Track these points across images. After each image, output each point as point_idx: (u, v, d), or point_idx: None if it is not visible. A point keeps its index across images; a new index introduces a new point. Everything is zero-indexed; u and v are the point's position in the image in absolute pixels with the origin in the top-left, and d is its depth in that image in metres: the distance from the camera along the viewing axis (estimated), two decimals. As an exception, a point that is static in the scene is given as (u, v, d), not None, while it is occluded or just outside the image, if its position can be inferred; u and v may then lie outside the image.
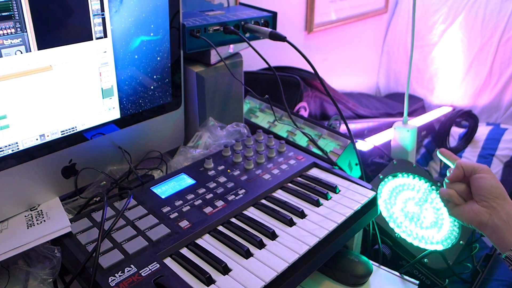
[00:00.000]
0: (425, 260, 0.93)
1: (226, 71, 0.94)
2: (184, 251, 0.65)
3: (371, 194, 0.79)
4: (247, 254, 0.63)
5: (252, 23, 0.95)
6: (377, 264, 0.83)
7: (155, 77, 0.83)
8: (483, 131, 1.75)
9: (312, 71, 0.88)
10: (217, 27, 0.91)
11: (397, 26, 2.22)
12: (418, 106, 2.14)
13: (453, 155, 0.82)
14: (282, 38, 0.89)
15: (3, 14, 0.59)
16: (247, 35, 0.96)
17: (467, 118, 1.77)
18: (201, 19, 0.91)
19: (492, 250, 1.06)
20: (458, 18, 2.02)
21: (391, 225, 0.98)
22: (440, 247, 0.96)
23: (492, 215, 0.71)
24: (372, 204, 0.79)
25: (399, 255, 0.96)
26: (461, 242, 0.99)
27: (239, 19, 0.93)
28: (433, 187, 1.07)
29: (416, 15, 1.16)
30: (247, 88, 0.95)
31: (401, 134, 1.27)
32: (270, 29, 0.91)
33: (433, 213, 1.02)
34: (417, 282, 0.80)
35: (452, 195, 0.76)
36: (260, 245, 0.66)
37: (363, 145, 1.32)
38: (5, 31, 0.60)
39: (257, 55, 0.88)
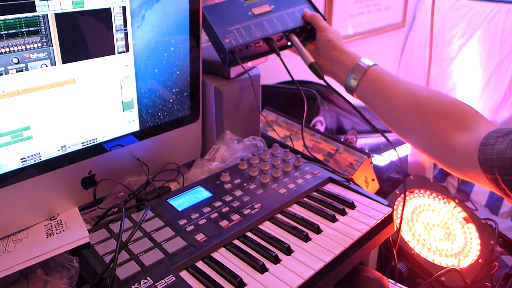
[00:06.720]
0: (442, 278, 0.91)
1: (244, 85, 0.95)
2: (200, 264, 0.65)
3: (387, 210, 0.79)
4: (262, 269, 0.63)
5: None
6: (393, 281, 0.82)
7: (174, 90, 0.85)
8: (502, 147, 1.72)
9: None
10: (259, 43, 0.91)
11: (414, 40, 2.22)
12: (436, 120, 2.12)
13: (315, 15, 0.94)
14: (320, 76, 0.91)
15: (31, 29, 0.61)
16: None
17: (485, 134, 1.75)
18: (245, 29, 0.90)
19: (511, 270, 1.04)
20: (476, 33, 2.01)
21: (408, 242, 0.96)
22: (458, 265, 0.95)
23: (332, 64, 0.89)
24: (388, 220, 0.78)
25: (415, 273, 0.95)
26: (479, 260, 0.97)
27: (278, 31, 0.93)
28: (450, 205, 1.05)
29: (434, 29, 1.16)
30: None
31: (418, 149, 1.26)
32: (312, 60, 0.92)
33: (451, 231, 1.00)
34: (434, 301, 0.79)
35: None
36: (276, 260, 0.66)
37: (380, 160, 1.31)
38: (32, 45, 0.61)
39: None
